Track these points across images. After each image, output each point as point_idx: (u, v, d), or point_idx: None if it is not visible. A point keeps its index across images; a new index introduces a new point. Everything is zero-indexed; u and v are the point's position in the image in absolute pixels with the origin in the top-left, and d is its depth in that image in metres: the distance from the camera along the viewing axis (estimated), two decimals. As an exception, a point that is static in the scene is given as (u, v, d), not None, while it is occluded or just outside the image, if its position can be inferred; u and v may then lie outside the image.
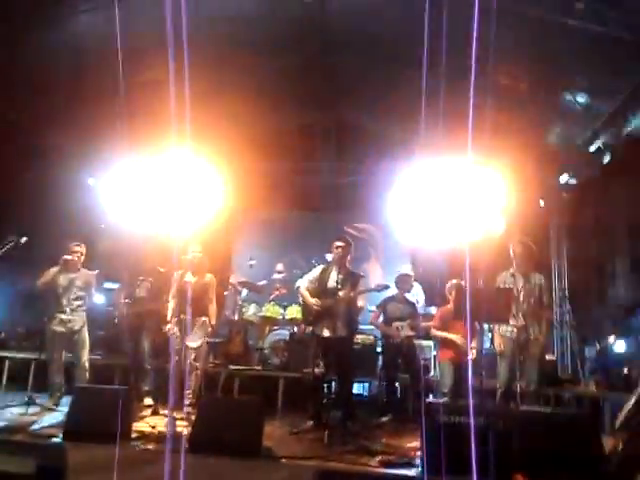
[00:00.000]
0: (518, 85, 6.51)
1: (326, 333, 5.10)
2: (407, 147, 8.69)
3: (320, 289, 5.28)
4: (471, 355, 5.25)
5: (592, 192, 7.81)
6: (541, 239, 8.54)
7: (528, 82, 6.49)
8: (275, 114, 8.76)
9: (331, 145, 9.50)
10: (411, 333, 5.96)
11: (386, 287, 5.59)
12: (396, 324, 5.98)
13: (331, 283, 5.26)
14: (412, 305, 6.26)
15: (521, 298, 5.17)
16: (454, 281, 5.72)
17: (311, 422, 5.05)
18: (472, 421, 3.26)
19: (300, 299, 5.73)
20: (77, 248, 5.66)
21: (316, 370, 5.16)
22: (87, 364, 5.48)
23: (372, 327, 6.55)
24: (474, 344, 5.13)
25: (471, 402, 3.66)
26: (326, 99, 8.76)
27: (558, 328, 8.45)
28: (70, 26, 5.93)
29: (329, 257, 6.84)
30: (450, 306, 5.72)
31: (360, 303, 5.30)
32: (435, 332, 5.80)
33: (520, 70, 6.27)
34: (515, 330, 5.11)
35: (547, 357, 7.15)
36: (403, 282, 6.19)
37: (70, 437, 3.76)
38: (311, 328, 5.32)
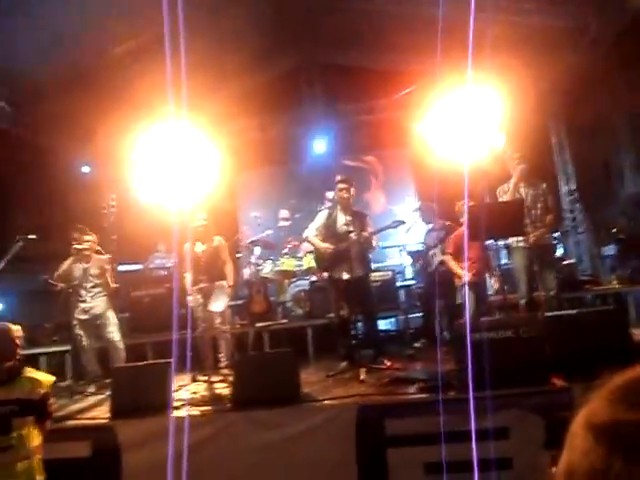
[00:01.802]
0: None
1: (344, 276, 5.10)
2: (396, 78, 8.55)
3: (330, 233, 5.25)
4: (489, 278, 5.27)
5: (591, 88, 7.60)
6: (543, 146, 8.43)
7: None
8: (256, 65, 8.57)
9: (317, 90, 9.29)
10: (442, 257, 5.92)
11: (401, 222, 5.55)
12: (430, 252, 6.05)
13: (340, 226, 5.23)
14: (447, 226, 6.17)
15: (529, 206, 5.15)
16: (462, 202, 5.66)
17: (345, 363, 5.14)
18: (470, 336, 3.31)
19: (312, 248, 5.75)
20: (88, 237, 5.67)
21: (340, 312, 5.24)
22: (121, 344, 5.57)
23: (388, 263, 6.62)
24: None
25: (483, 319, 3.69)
26: (305, 41, 8.53)
27: (572, 232, 8.44)
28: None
29: (329, 195, 6.85)
30: (462, 229, 5.69)
31: (374, 243, 5.30)
32: (447, 260, 5.77)
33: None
34: (526, 239, 5.11)
35: (565, 262, 7.20)
36: (425, 212, 6.20)
37: (118, 416, 3.87)
38: (327, 274, 5.35)
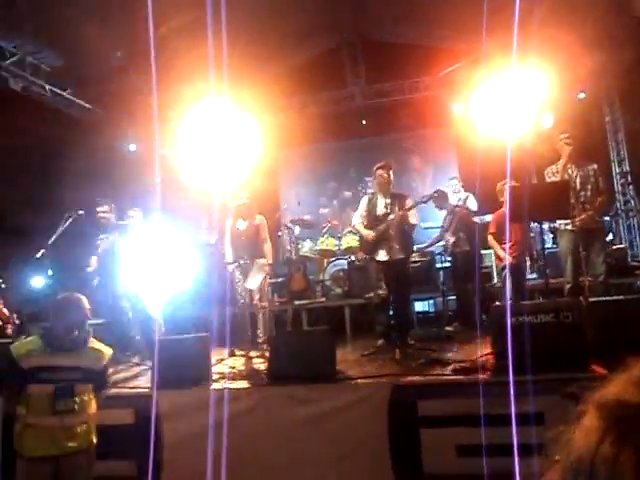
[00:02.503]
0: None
1: (384, 257, 5.17)
2: (440, 56, 8.34)
3: (372, 218, 5.35)
4: (526, 259, 5.14)
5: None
6: (596, 126, 8.09)
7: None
8: (299, 44, 8.51)
9: (359, 68, 9.16)
10: (452, 239, 5.99)
11: (432, 197, 5.64)
12: (445, 235, 6.00)
13: (380, 210, 5.32)
14: (453, 208, 6.22)
15: (578, 188, 4.97)
16: (503, 182, 5.53)
17: (381, 341, 5.23)
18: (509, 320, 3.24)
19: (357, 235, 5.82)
20: (100, 208, 5.82)
21: (379, 292, 5.32)
22: (160, 319, 5.76)
23: (426, 244, 6.61)
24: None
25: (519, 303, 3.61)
26: (347, 18, 8.39)
27: (624, 215, 8.12)
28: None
29: (368, 180, 6.87)
30: (504, 209, 5.56)
31: (412, 220, 5.28)
32: (490, 241, 5.69)
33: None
34: (573, 222, 4.95)
35: (615, 246, 6.94)
36: (439, 195, 6.11)
37: (159, 386, 4.01)
38: (367, 256, 5.48)
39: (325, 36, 8.90)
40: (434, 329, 6.11)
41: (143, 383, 4.31)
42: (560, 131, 5.28)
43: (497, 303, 4.90)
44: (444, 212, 6.37)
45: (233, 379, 4.19)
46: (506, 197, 4.82)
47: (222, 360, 4.99)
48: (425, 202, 5.59)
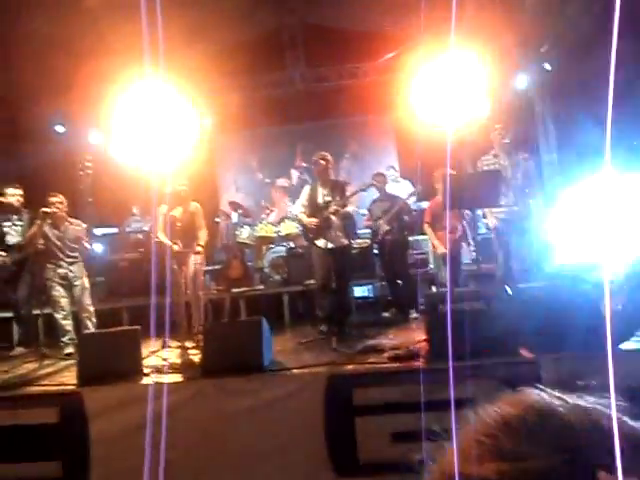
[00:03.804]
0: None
1: (327, 245, 5.23)
2: (381, 41, 8.33)
3: (313, 207, 5.40)
4: (465, 245, 5.25)
5: (575, 60, 7.47)
6: (526, 116, 8.33)
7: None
8: (237, 23, 8.25)
9: (299, 52, 9.01)
10: (387, 227, 5.93)
11: (371, 184, 5.72)
12: (378, 222, 5.99)
13: (320, 198, 5.39)
14: (391, 198, 6.16)
15: (509, 176, 5.12)
16: (439, 170, 5.61)
17: (324, 326, 5.22)
18: (448, 308, 3.30)
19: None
20: (54, 199, 5.50)
21: (322, 280, 5.34)
22: (91, 309, 5.52)
23: (367, 230, 6.56)
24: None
25: (450, 290, 3.69)
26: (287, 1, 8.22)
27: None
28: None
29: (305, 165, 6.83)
30: (439, 197, 5.65)
31: (350, 208, 5.31)
32: (426, 229, 5.78)
33: None
34: (505, 210, 5.11)
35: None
36: (377, 181, 6.11)
37: (85, 383, 3.83)
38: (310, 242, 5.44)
39: (265, 17, 8.69)
40: (372, 315, 6.16)
41: (68, 380, 4.09)
42: (494, 121, 5.41)
43: (432, 290, 5.00)
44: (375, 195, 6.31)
45: (165, 372, 4.06)
46: (446, 186, 4.87)
47: (155, 352, 4.83)
48: (365, 190, 5.67)
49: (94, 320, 5.49)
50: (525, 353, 3.51)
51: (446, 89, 5.98)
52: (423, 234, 6.27)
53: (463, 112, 6.18)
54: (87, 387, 3.78)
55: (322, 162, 5.43)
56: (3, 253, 5.65)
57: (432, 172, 5.76)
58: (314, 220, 5.28)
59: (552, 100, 8.54)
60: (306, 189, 5.65)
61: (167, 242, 5.40)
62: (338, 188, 5.42)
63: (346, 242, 5.37)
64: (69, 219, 5.63)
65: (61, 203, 5.53)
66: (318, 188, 5.47)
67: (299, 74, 8.96)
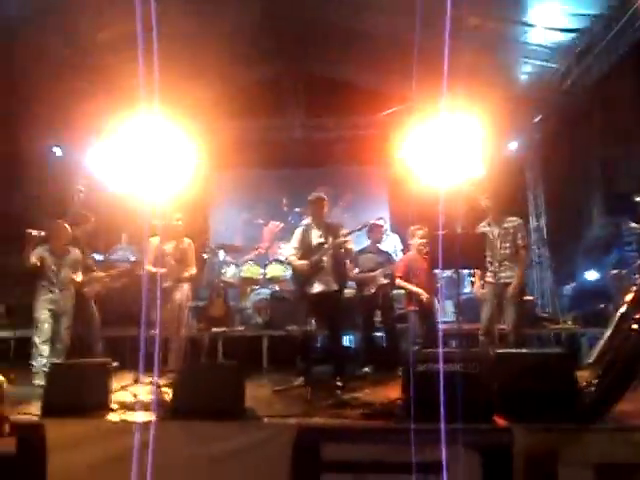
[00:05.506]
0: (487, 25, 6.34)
1: (318, 288, 5.13)
2: (380, 98, 8.58)
3: (306, 250, 5.29)
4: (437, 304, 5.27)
5: (566, 131, 7.73)
6: (517, 182, 8.53)
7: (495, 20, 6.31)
8: (240, 69, 8.48)
9: (300, 100, 9.24)
10: (385, 281, 5.91)
11: (366, 225, 5.74)
12: (370, 274, 5.95)
13: (315, 240, 5.28)
14: (386, 254, 6.20)
15: (498, 244, 5.17)
16: (416, 227, 5.71)
17: (301, 379, 5.05)
18: (441, 367, 3.29)
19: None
20: (53, 225, 5.52)
21: (308, 327, 5.23)
22: (69, 341, 5.44)
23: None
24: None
25: (440, 349, 3.67)
26: (292, 51, 8.49)
27: (537, 269, 8.54)
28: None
29: (297, 210, 6.85)
30: (413, 254, 5.72)
31: (348, 246, 5.29)
32: (399, 282, 5.76)
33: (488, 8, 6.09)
34: (493, 275, 5.15)
35: (526, 297, 7.25)
36: (374, 232, 6.14)
37: (49, 414, 3.72)
38: (299, 288, 5.35)
39: (267, 65, 8.93)
40: (350, 368, 6.06)
41: (32, 409, 3.96)
42: (481, 189, 5.51)
43: (411, 347, 4.97)
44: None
45: (133, 409, 3.95)
46: (437, 245, 4.88)
47: (126, 387, 4.72)
48: (360, 230, 5.65)
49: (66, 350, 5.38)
50: (499, 420, 3.47)
51: (440, 150, 6.12)
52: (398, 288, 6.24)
53: (456, 173, 6.31)
54: (50, 418, 3.66)
55: (318, 202, 5.36)
56: None
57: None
58: (306, 262, 5.18)
59: (542, 167, 8.77)
60: (299, 230, 5.50)
61: (157, 270, 5.37)
62: (332, 229, 5.31)
63: (336, 287, 5.24)
64: (70, 247, 5.61)
65: (60, 230, 5.52)
66: (312, 230, 5.36)
67: (298, 121, 9.15)
